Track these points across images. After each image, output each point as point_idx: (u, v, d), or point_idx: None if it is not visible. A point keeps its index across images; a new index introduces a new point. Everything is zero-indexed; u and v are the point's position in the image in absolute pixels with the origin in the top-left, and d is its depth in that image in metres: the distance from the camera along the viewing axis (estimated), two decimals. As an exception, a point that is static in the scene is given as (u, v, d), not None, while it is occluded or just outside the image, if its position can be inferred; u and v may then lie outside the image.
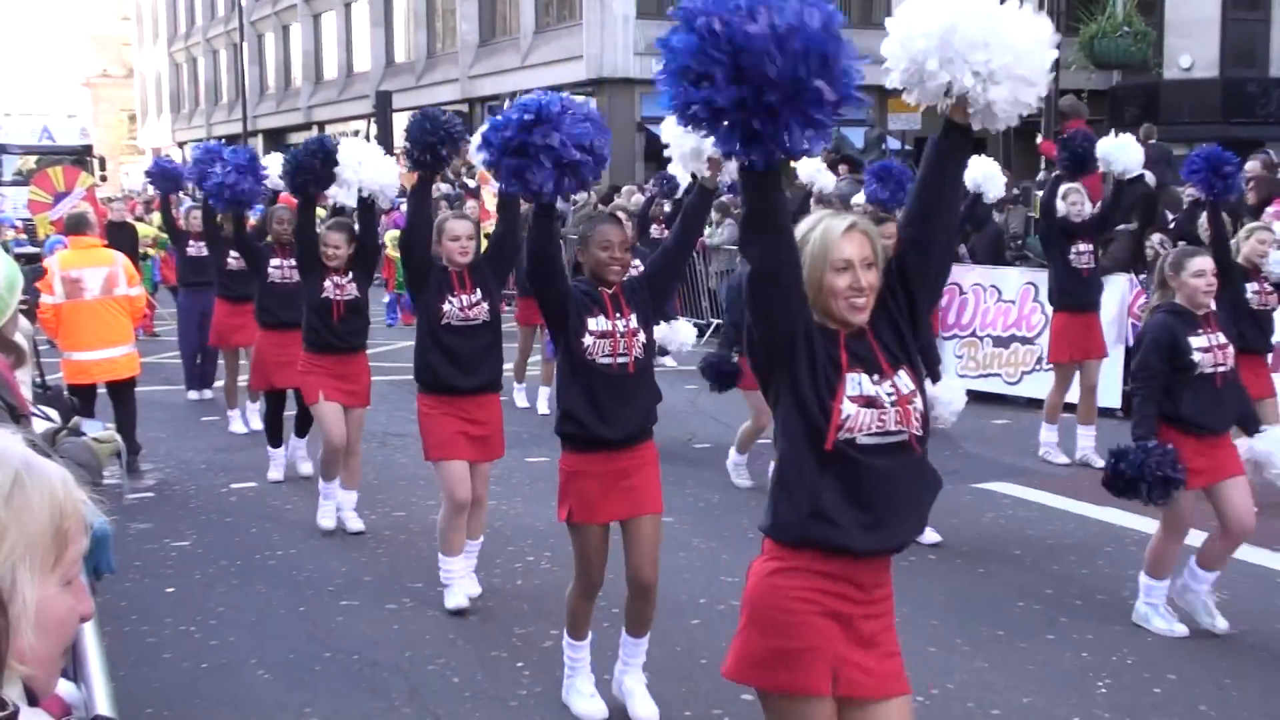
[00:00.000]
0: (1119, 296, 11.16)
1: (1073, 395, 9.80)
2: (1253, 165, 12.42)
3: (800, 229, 3.15)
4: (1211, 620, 5.97)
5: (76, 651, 2.65)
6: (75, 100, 73.58)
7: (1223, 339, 5.86)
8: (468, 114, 32.55)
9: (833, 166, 16.01)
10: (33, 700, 1.59)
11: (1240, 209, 11.00)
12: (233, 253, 10.50)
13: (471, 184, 21.87)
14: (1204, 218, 9.80)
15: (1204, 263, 5.90)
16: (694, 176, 5.33)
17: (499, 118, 4.55)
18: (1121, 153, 9.19)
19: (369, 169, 7.16)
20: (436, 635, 6.05)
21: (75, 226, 9.47)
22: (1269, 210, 11.24)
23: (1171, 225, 12.43)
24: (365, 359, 7.87)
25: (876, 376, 3.09)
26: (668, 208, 14.63)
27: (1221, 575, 6.05)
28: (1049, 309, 11.68)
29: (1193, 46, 27.19)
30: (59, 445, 3.68)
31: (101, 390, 9.38)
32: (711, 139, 2.78)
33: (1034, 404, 11.58)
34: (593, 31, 31.21)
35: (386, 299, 19.28)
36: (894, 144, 27.15)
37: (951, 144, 3.11)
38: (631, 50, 31.19)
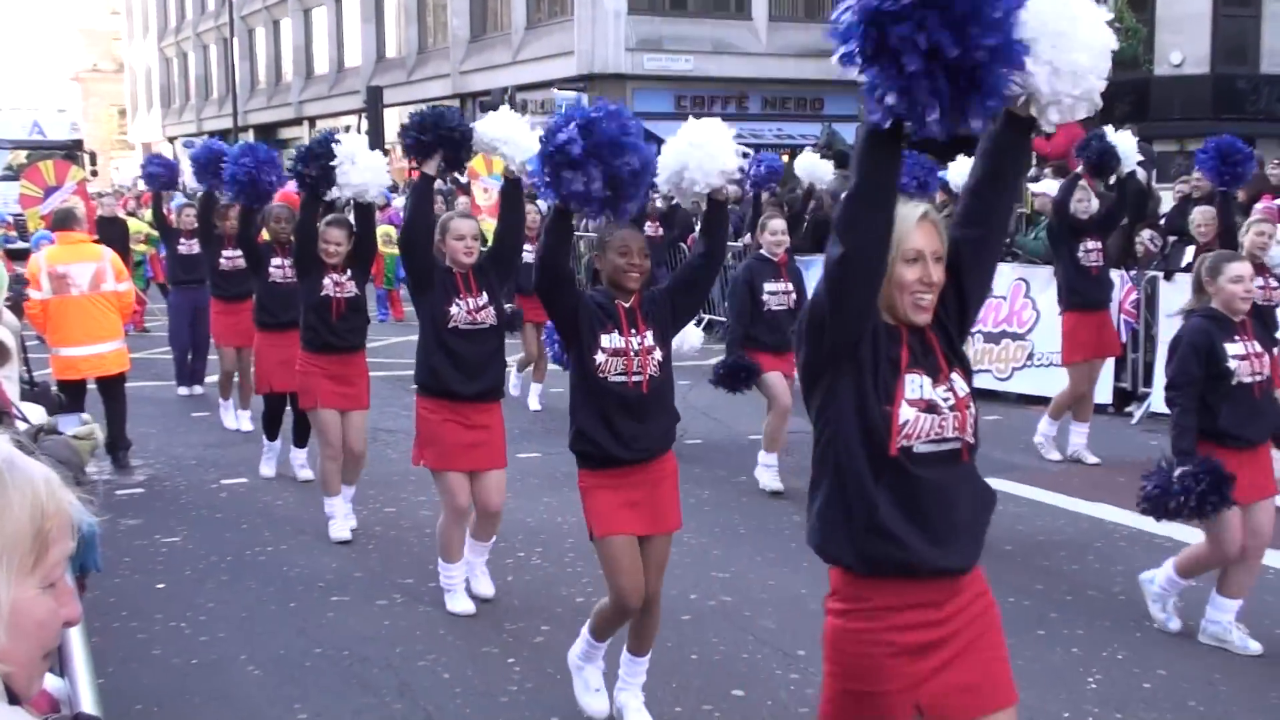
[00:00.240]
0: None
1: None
2: None
3: None
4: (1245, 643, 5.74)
5: (61, 648, 2.64)
6: (65, 95, 73.55)
7: (1259, 347, 5.60)
8: (459, 110, 32.50)
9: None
10: (15, 699, 1.57)
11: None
12: (225, 252, 10.45)
13: (462, 179, 21.83)
14: (1195, 213, 9.85)
15: (1242, 268, 5.63)
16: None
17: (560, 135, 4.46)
18: (1119, 148, 9.20)
19: (360, 167, 6.94)
20: (427, 631, 6.04)
21: (63, 222, 9.43)
22: (1258, 207, 11.26)
23: (1162, 221, 12.46)
24: (364, 359, 7.69)
25: (936, 379, 2.92)
26: (659, 203, 14.63)
27: (1214, 571, 6.04)
28: (1040, 305, 11.71)
29: (1183, 43, 27.27)
30: (40, 443, 3.66)
31: (92, 386, 9.35)
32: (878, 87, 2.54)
33: (1024, 400, 11.62)
34: (584, 27, 31.22)
35: (376, 294, 19.25)
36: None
37: (1012, 137, 2.90)
38: (623, 45, 31.22)
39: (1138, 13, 24.88)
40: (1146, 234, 11.94)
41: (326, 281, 7.40)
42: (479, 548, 6.45)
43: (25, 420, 4.37)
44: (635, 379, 4.60)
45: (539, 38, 33.45)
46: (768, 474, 8.61)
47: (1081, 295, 9.40)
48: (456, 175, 23.45)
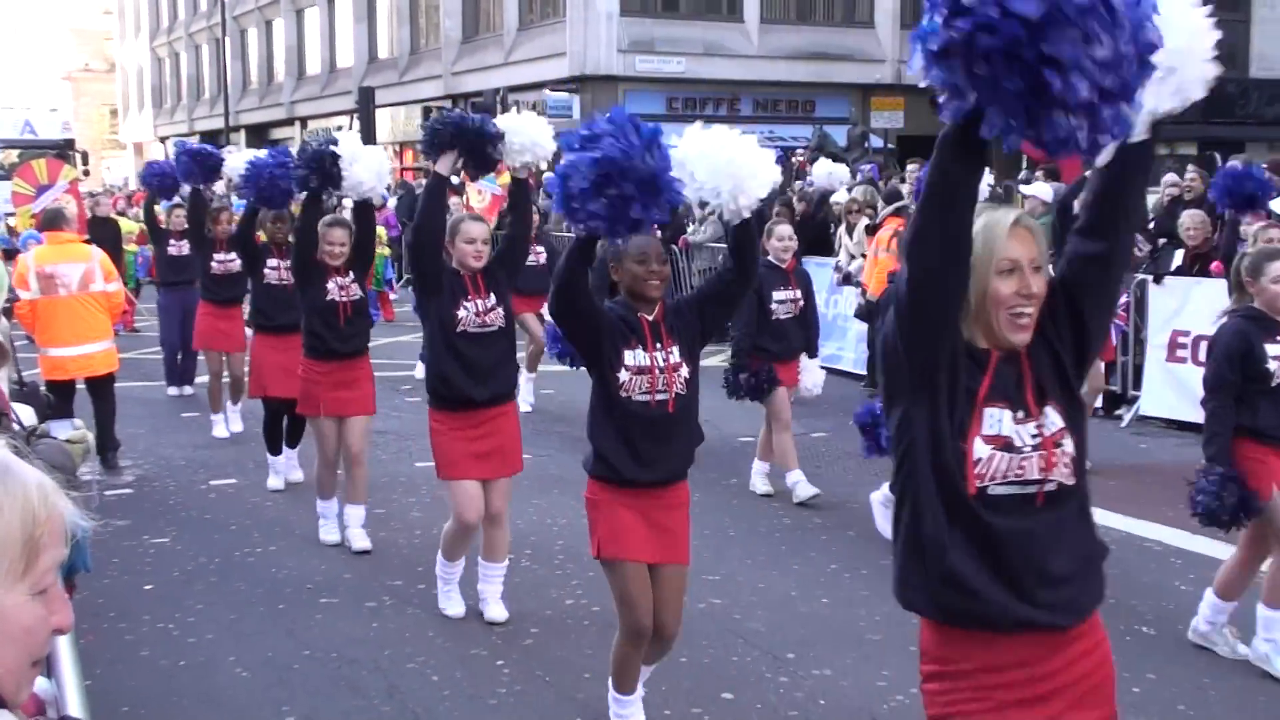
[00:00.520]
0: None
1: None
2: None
3: None
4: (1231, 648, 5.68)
5: (49, 650, 2.62)
6: (56, 94, 73.34)
7: None
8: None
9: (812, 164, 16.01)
10: (3, 704, 1.56)
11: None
12: (217, 255, 10.41)
13: (455, 181, 21.81)
14: (1184, 216, 9.88)
15: None
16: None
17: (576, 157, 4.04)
18: None
19: (363, 164, 6.81)
20: (416, 633, 6.03)
21: (52, 222, 9.41)
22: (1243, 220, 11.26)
23: (1151, 224, 12.47)
24: (368, 363, 7.48)
25: (1020, 413, 2.63)
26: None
27: (1203, 575, 6.05)
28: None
29: (1174, 47, 27.31)
30: (33, 447, 3.65)
31: (81, 386, 9.32)
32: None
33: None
34: (576, 28, 31.22)
35: (367, 295, 19.20)
36: (877, 142, 27.22)
37: (1139, 142, 2.60)
38: (615, 47, 31.22)
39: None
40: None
41: (331, 285, 7.19)
42: (492, 571, 6.14)
43: (20, 423, 4.35)
44: (660, 398, 4.36)
45: (531, 39, 33.45)
46: (759, 477, 8.64)
47: None
48: (450, 178, 23.49)
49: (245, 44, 52.57)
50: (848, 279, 13.12)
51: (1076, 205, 9.37)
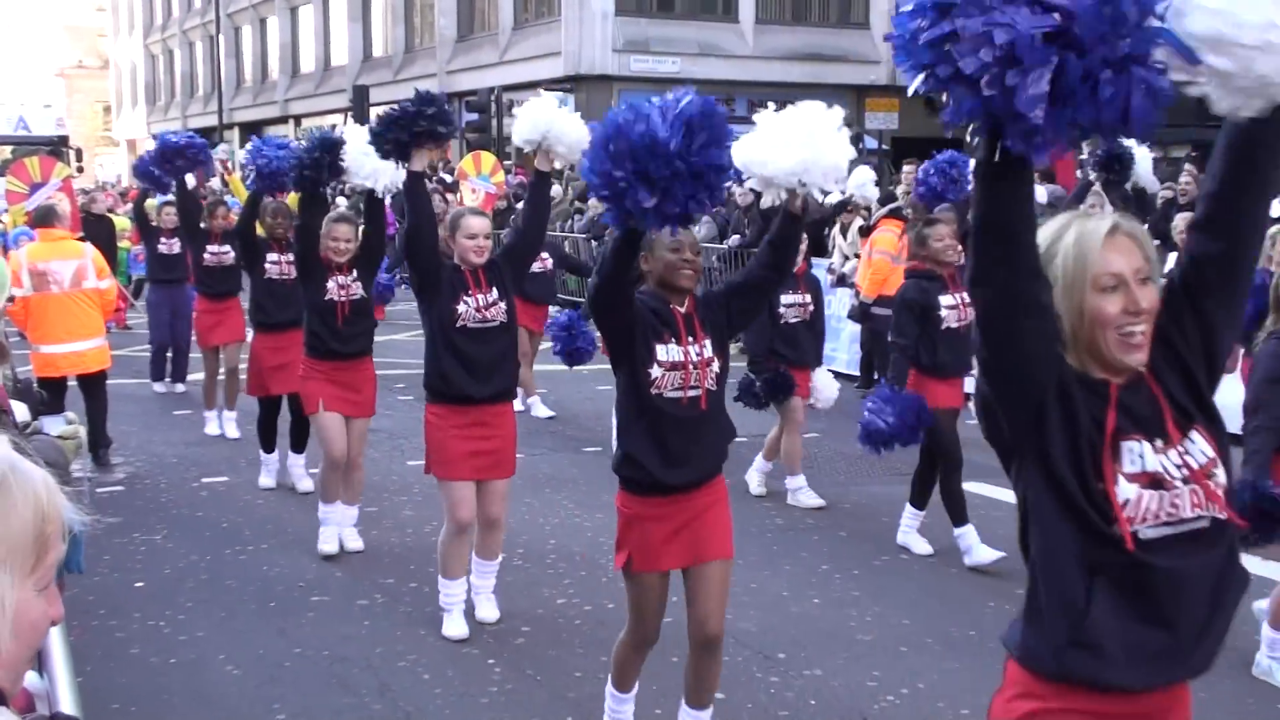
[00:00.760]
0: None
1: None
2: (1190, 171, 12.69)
3: (1041, 238, 2.33)
4: None
5: (41, 647, 2.62)
6: (50, 91, 73.20)
7: None
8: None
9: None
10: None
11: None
12: (210, 247, 10.36)
13: (449, 179, 21.83)
14: (1178, 219, 9.88)
15: None
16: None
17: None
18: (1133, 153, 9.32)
19: (372, 155, 6.34)
20: (407, 632, 6.03)
21: (44, 219, 9.40)
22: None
23: (1145, 226, 12.50)
24: (370, 365, 7.30)
25: (1160, 443, 2.32)
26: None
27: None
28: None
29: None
30: (28, 442, 3.65)
31: (73, 383, 9.31)
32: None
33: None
34: (571, 28, 31.20)
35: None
36: (871, 143, 27.26)
37: (1265, 123, 2.20)
38: (610, 47, 31.20)
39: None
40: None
41: (331, 284, 7.03)
42: (484, 569, 6.14)
43: (15, 420, 4.36)
44: (692, 393, 4.22)
45: (526, 38, 33.42)
46: (757, 475, 8.59)
47: None
48: (444, 176, 23.46)
49: (239, 41, 52.47)
50: (841, 280, 13.14)
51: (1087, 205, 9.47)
